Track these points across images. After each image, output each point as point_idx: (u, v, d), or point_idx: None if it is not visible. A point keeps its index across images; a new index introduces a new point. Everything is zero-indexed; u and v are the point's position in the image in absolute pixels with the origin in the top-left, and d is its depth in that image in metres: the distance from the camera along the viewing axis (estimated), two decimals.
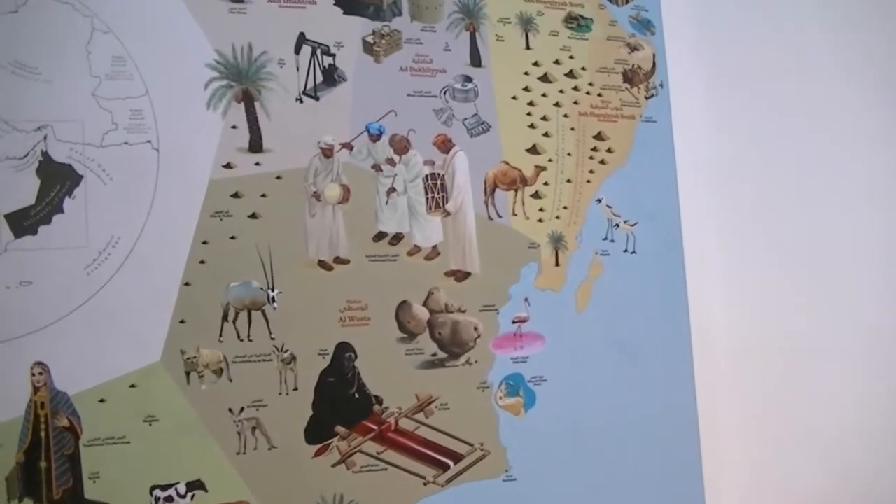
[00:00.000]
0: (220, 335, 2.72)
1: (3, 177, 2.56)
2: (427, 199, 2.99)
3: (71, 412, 2.56)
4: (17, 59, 2.59)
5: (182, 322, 2.68)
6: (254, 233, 2.77)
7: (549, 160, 3.16)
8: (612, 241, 3.21)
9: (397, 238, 2.95)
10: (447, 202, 3.01)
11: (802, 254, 3.32)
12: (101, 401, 2.59)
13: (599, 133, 3.24)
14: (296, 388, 2.78)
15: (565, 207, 3.16)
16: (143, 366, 2.63)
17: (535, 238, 3.11)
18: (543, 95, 3.18)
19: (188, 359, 2.67)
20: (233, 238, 2.75)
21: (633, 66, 3.33)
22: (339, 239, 2.87)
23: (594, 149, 3.23)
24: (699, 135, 3.35)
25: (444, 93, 3.05)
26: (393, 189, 2.96)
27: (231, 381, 2.72)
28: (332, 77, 2.92)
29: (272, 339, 2.76)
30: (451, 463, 2.93)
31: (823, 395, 3.29)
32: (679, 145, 3.32)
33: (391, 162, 2.96)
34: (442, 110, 3.04)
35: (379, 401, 2.88)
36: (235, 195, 2.77)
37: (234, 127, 2.79)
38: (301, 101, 2.88)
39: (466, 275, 3.01)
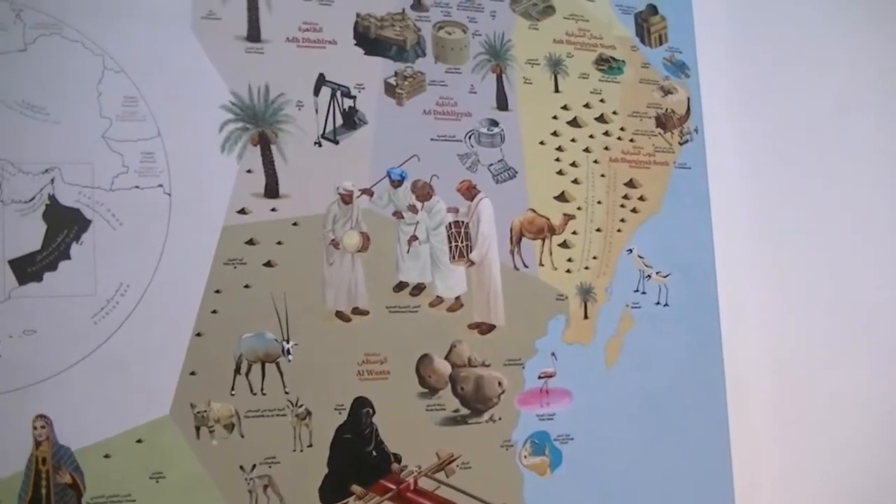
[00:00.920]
0: (233, 388, 2.69)
1: (8, 221, 2.54)
2: (450, 247, 2.97)
3: (74, 468, 2.52)
4: (25, 99, 2.58)
5: (192, 374, 2.64)
6: (269, 281, 2.75)
7: (579, 208, 3.14)
8: (644, 293, 3.18)
9: (419, 288, 2.92)
10: (471, 251, 2.99)
11: (846, 308, 3.30)
12: (106, 456, 2.55)
13: (631, 180, 3.22)
14: (310, 445, 2.74)
15: (595, 258, 3.13)
16: (151, 419, 2.60)
17: (563, 289, 3.08)
18: (573, 140, 3.16)
19: (198, 413, 2.64)
20: (247, 287, 2.73)
21: (666, 110, 3.31)
22: (358, 289, 2.85)
23: (625, 196, 3.21)
24: (735, 182, 3.32)
25: (469, 137, 3.03)
26: (415, 237, 2.94)
27: (243, 436, 2.68)
28: (352, 120, 2.90)
29: (286, 392, 2.73)
30: None
31: (870, 455, 3.25)
32: (714, 193, 3.29)
33: (413, 209, 2.94)
34: (467, 155, 3.01)
35: (398, 459, 2.84)
36: (250, 242, 2.75)
37: (249, 171, 2.78)
38: (320, 145, 2.86)
39: (491, 327, 2.98)
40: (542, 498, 2.96)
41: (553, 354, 3.03)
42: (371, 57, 2.96)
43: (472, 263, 2.99)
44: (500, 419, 2.95)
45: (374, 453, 2.81)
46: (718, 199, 3.29)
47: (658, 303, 3.18)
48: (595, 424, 3.05)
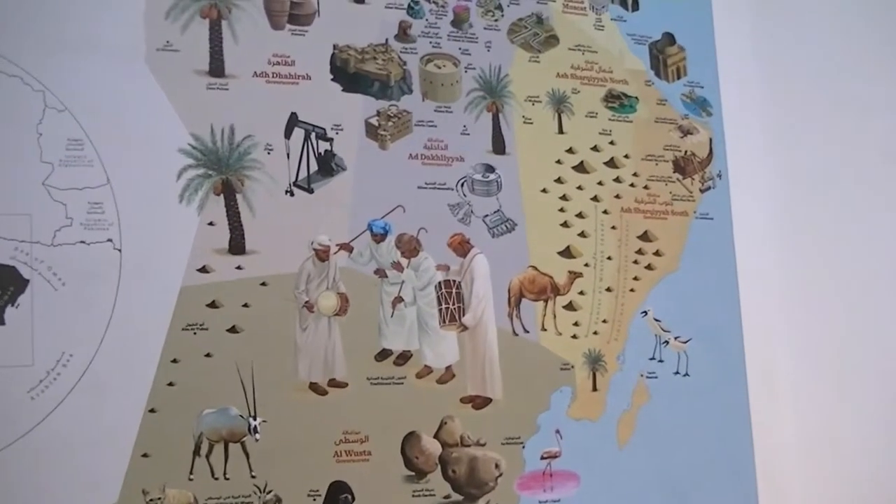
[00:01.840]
0: (191, 473, 2.66)
1: None
2: (440, 310, 2.96)
3: None
4: None
5: (145, 456, 2.62)
6: (233, 350, 2.73)
7: (586, 265, 3.13)
8: (661, 361, 3.16)
9: (404, 357, 2.91)
10: (464, 314, 2.97)
11: (888, 381, 3.26)
12: None
13: (646, 233, 3.22)
14: None
15: (604, 321, 3.12)
16: None
17: (569, 358, 3.07)
18: (579, 188, 3.16)
19: (152, 501, 2.60)
20: (208, 356, 2.71)
21: (685, 152, 3.31)
22: (336, 358, 2.83)
23: (639, 251, 3.20)
24: (764, 235, 3.32)
25: (462, 185, 3.03)
26: (400, 299, 2.92)
27: None
28: (328, 166, 2.90)
29: (253, 477, 2.70)
30: None
31: None
32: (741, 247, 3.29)
33: (398, 267, 2.93)
34: (459, 205, 3.01)
35: None
36: (212, 305, 2.73)
37: (211, 224, 2.77)
38: (292, 194, 2.86)
39: (487, 401, 2.96)
40: None
41: (557, 432, 3.01)
42: (350, 94, 2.96)
43: (464, 328, 2.98)
44: None
45: None
46: (745, 254, 3.29)
47: (677, 373, 3.17)
48: None
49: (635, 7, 3.33)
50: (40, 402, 2.55)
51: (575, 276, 3.10)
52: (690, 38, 3.37)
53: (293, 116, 2.87)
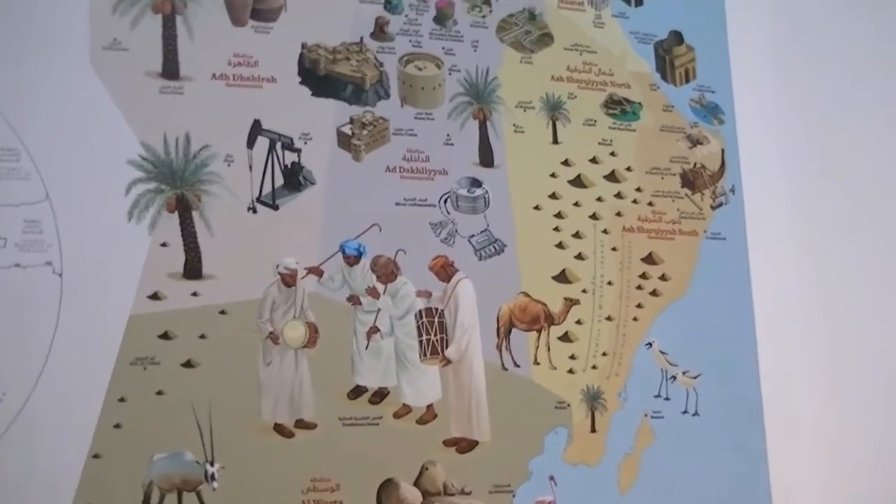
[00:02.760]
0: None
1: None
2: (421, 342, 2.96)
3: None
4: None
5: None
6: (188, 387, 2.73)
7: (584, 291, 3.14)
8: (668, 398, 3.17)
9: (380, 395, 2.91)
10: (447, 347, 2.98)
11: None
12: None
13: (650, 254, 3.23)
14: None
15: (604, 354, 3.13)
16: None
17: (565, 395, 3.07)
18: (576, 205, 3.18)
19: None
20: (160, 393, 2.71)
21: (695, 165, 3.33)
22: (303, 395, 2.84)
23: (643, 275, 3.22)
24: (783, 256, 3.34)
25: (445, 201, 3.04)
26: (376, 329, 2.93)
27: None
28: (295, 179, 2.91)
29: None
30: None
31: None
32: (756, 270, 3.31)
33: (373, 293, 2.94)
34: (442, 224, 3.02)
35: None
36: (165, 336, 2.74)
37: (164, 245, 2.77)
38: (255, 211, 2.87)
39: (472, 444, 2.97)
40: None
41: (552, 479, 3.01)
42: (320, 99, 2.98)
43: (448, 362, 2.98)
44: None
45: None
46: (762, 279, 3.30)
47: (685, 411, 3.18)
48: None
49: (639, 2, 3.35)
50: None
51: (571, 303, 3.11)
52: (700, 36, 3.40)
53: (256, 124, 2.88)
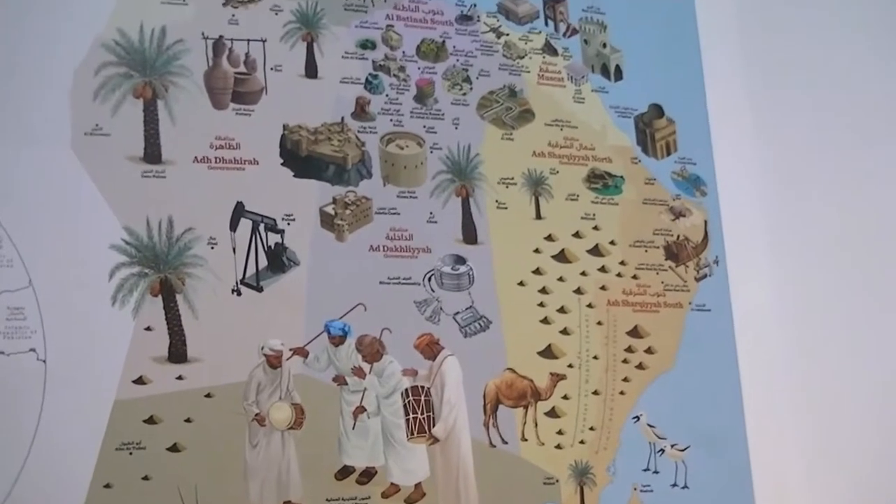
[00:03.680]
0: None
1: None
2: (408, 421, 2.95)
3: None
4: None
5: None
6: (175, 471, 2.71)
7: (570, 366, 3.14)
8: (657, 472, 3.17)
9: (368, 474, 2.90)
10: (434, 425, 2.97)
11: None
12: None
13: (636, 328, 3.24)
14: None
15: (592, 429, 3.13)
16: None
17: (553, 471, 3.06)
18: (560, 279, 3.18)
19: None
20: (146, 479, 2.69)
21: (678, 237, 3.34)
22: (291, 477, 2.82)
23: (629, 349, 3.22)
24: (769, 327, 3.34)
25: (429, 279, 3.04)
26: (362, 409, 2.92)
27: None
28: (279, 260, 2.91)
29: None
30: None
31: None
32: (743, 342, 3.31)
33: (359, 372, 2.93)
34: (426, 302, 3.02)
35: None
36: (150, 420, 2.72)
37: (148, 329, 2.77)
38: (239, 294, 2.87)
39: None
40: None
41: None
42: (303, 180, 2.99)
43: (435, 440, 2.97)
44: None
45: None
46: (748, 350, 3.30)
47: (675, 485, 3.17)
48: None
49: (618, 76, 3.38)
50: None
51: (558, 378, 3.11)
52: (681, 109, 3.42)
53: (239, 206, 2.89)
